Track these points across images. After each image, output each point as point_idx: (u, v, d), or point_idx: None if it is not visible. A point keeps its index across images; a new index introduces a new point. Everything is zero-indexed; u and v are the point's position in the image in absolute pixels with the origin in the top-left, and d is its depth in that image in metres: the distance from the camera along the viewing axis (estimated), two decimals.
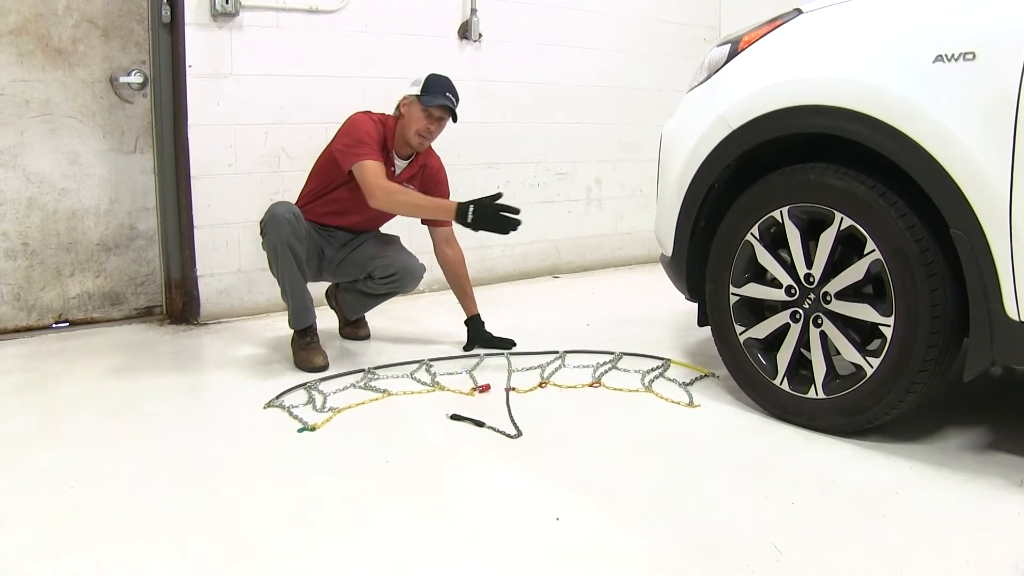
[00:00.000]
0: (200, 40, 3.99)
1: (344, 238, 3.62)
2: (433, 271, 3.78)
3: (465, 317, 3.68)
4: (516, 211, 3.25)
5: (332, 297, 3.87)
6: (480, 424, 2.76)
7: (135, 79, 4.00)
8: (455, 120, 3.46)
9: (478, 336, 3.64)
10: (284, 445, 2.62)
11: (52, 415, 2.87)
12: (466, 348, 3.60)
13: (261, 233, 3.36)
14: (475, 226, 3.24)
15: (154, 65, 4.02)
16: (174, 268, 4.19)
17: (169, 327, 4.11)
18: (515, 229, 3.23)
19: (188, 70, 3.97)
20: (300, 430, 2.71)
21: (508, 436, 2.67)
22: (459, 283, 3.67)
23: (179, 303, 4.20)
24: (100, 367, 3.42)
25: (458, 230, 3.48)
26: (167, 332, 4.02)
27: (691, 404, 2.95)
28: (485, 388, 3.11)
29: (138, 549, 1.98)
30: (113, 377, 3.30)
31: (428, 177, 3.59)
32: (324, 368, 3.33)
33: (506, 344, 3.62)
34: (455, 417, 2.82)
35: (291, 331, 3.47)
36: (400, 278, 3.56)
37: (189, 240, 4.11)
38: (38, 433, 2.71)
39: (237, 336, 3.93)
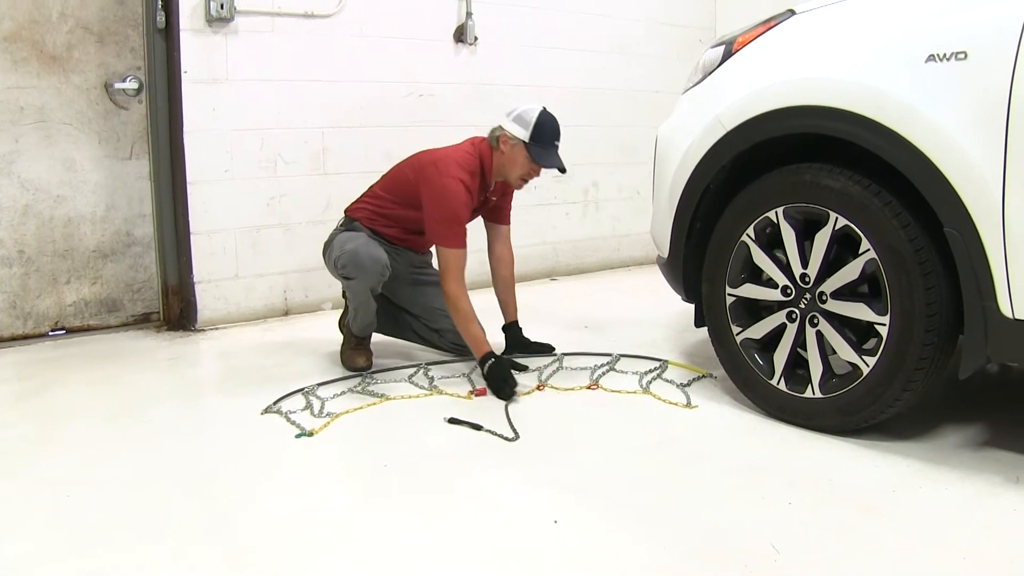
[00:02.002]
0: (195, 45, 3.99)
1: (413, 259, 3.58)
2: None
3: (504, 323, 3.64)
4: (523, 369, 3.35)
5: (345, 327, 3.65)
6: (478, 428, 2.76)
7: (130, 85, 4.00)
8: (563, 172, 3.37)
9: (517, 342, 3.61)
10: (282, 451, 2.62)
11: (50, 423, 2.88)
12: (504, 354, 3.50)
13: (337, 266, 3.29)
14: (485, 376, 3.17)
15: (149, 71, 4.03)
16: (171, 274, 4.19)
17: (166, 334, 4.11)
18: (506, 398, 3.06)
19: (183, 76, 3.97)
20: (298, 435, 2.71)
21: (506, 439, 2.68)
22: (506, 285, 3.63)
23: (176, 309, 4.20)
24: (97, 374, 3.42)
25: (476, 228, 3.47)
26: (164, 339, 4.02)
27: (689, 405, 2.96)
28: (482, 391, 3.11)
29: (137, 556, 1.98)
30: (110, 384, 3.30)
31: (506, 191, 3.54)
32: (367, 368, 3.39)
33: (546, 349, 3.59)
34: (453, 421, 2.82)
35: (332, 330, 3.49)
36: (468, 348, 3.43)
37: (186, 246, 4.11)
38: (36, 441, 2.71)
39: (235, 342, 3.93)
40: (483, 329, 3.25)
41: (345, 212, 3.54)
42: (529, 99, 4.78)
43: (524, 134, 3.24)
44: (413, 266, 3.59)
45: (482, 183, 3.35)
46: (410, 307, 3.58)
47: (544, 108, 3.29)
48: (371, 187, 3.55)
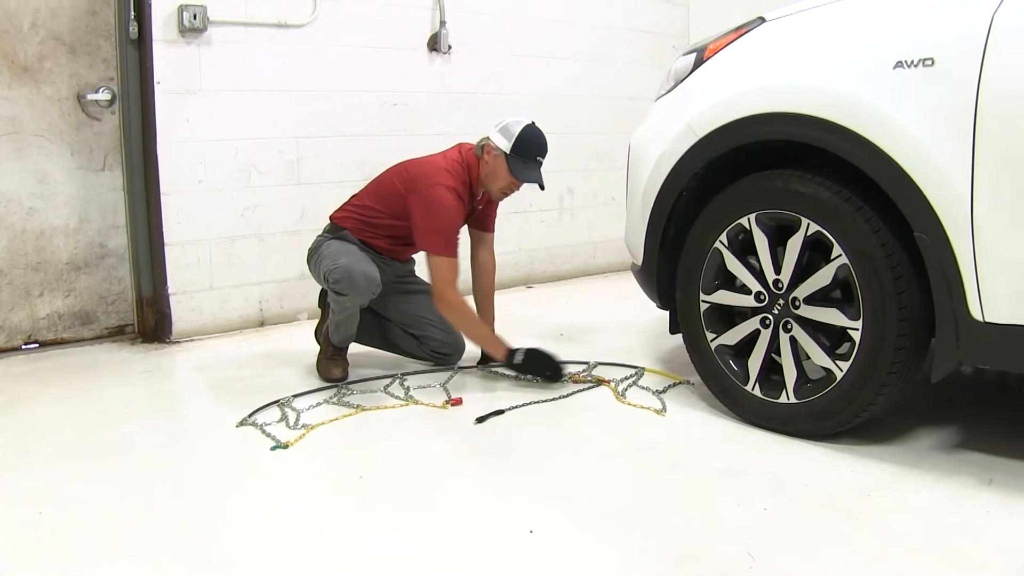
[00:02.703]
0: (168, 56, 3.97)
1: (400, 269, 3.58)
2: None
3: None
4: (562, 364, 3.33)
5: (322, 336, 3.62)
6: (500, 412, 2.94)
7: (103, 96, 3.98)
8: (542, 189, 3.39)
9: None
10: (257, 463, 2.60)
11: (22, 437, 2.85)
12: (479, 364, 3.52)
13: (329, 280, 3.23)
14: (523, 368, 3.26)
15: (122, 82, 4.00)
16: (145, 286, 4.16)
17: (141, 346, 4.08)
18: (559, 379, 3.24)
19: (157, 86, 3.95)
20: (273, 448, 2.70)
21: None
22: (486, 294, 3.62)
23: (151, 321, 4.17)
24: (71, 387, 3.40)
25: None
26: (139, 351, 3.99)
27: (664, 411, 2.97)
28: (457, 401, 3.10)
29: (111, 571, 1.96)
30: (84, 397, 3.27)
31: (490, 202, 3.52)
32: (342, 379, 3.36)
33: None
34: (480, 420, 2.91)
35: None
36: (450, 357, 3.54)
37: (160, 258, 4.09)
38: (8, 456, 2.69)
39: (210, 354, 3.91)
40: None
41: (331, 219, 3.51)
42: (505, 107, 4.79)
43: (506, 145, 3.24)
44: (399, 276, 3.58)
45: (470, 192, 3.35)
46: (393, 315, 3.58)
47: (532, 123, 3.29)
48: (357, 195, 3.52)
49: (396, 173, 3.40)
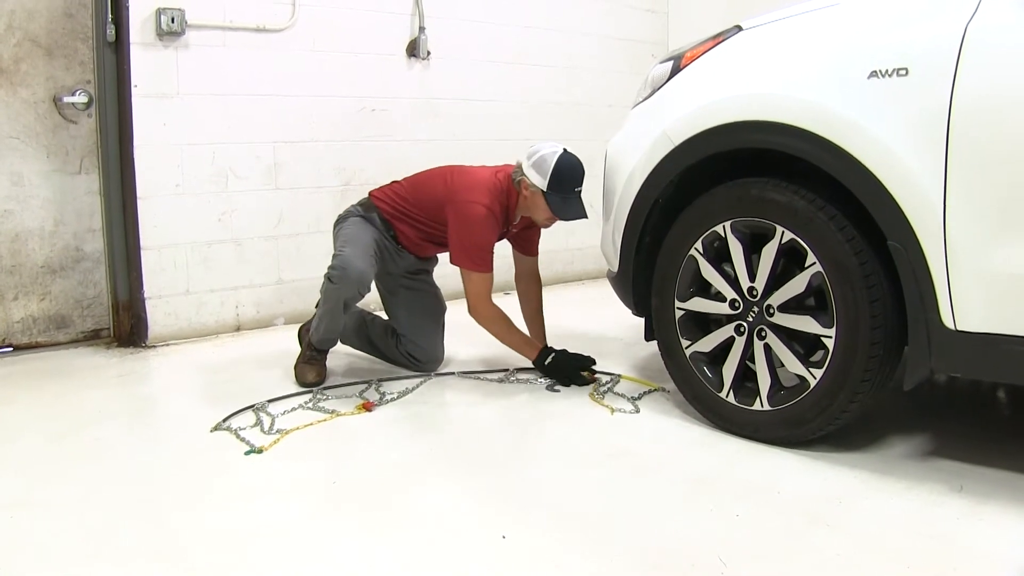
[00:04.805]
0: (146, 59, 3.96)
1: (414, 265, 3.58)
2: None
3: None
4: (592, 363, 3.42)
5: (305, 337, 3.63)
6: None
7: (79, 99, 3.95)
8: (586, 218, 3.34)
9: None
10: (231, 468, 2.59)
11: None
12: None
13: (329, 276, 3.26)
14: (548, 371, 3.34)
15: (99, 85, 3.98)
16: (121, 290, 4.14)
17: (116, 350, 4.05)
18: (583, 383, 3.32)
19: (134, 90, 3.94)
20: (247, 452, 2.68)
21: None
22: (535, 315, 3.63)
23: (127, 326, 4.15)
24: (45, 392, 3.37)
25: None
26: (114, 355, 3.97)
27: (638, 415, 2.98)
28: (369, 405, 3.09)
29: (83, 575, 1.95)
30: (58, 402, 3.25)
31: (532, 225, 3.51)
32: (317, 384, 3.36)
33: (587, 362, 3.54)
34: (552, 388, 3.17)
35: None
36: (422, 364, 3.54)
37: (136, 262, 4.06)
38: None
39: (185, 358, 3.89)
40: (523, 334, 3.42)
41: (370, 194, 3.52)
42: (484, 113, 4.79)
43: (542, 182, 3.19)
44: (409, 271, 3.58)
45: (506, 216, 3.34)
46: (390, 306, 3.59)
47: (564, 151, 3.23)
48: (399, 182, 3.52)
49: (442, 176, 3.39)
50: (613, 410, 3.04)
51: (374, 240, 3.37)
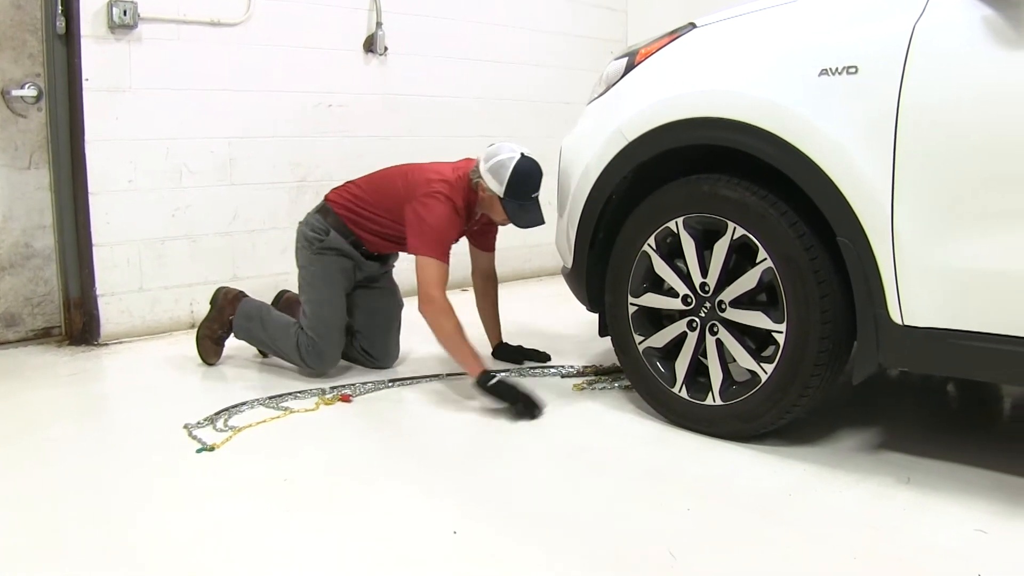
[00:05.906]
0: (97, 53, 3.90)
1: (374, 272, 3.55)
2: None
3: (492, 346, 3.70)
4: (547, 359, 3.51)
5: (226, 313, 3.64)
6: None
7: (29, 92, 3.89)
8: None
9: (512, 354, 3.64)
10: (183, 466, 2.56)
11: None
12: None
13: (304, 345, 3.33)
14: (489, 393, 2.98)
15: (49, 78, 3.92)
16: (73, 287, 4.07)
17: (68, 348, 3.99)
18: (530, 415, 2.94)
19: (85, 83, 3.87)
20: (199, 450, 2.66)
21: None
22: (491, 311, 3.68)
23: (78, 323, 4.09)
24: None
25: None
26: (66, 354, 3.91)
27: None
28: (346, 398, 3.13)
29: None
30: (7, 402, 3.19)
31: (491, 222, 3.47)
32: (211, 364, 3.55)
33: (541, 357, 3.61)
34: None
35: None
36: (376, 360, 3.54)
37: (88, 258, 4.01)
38: None
39: (138, 356, 3.84)
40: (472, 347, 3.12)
41: (326, 198, 3.47)
42: (441, 110, 4.76)
43: (499, 188, 3.12)
44: (369, 278, 3.56)
45: (468, 213, 3.29)
46: (349, 304, 3.54)
47: (522, 156, 3.14)
48: (356, 182, 3.47)
49: (401, 174, 3.34)
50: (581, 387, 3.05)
51: (343, 276, 3.39)
